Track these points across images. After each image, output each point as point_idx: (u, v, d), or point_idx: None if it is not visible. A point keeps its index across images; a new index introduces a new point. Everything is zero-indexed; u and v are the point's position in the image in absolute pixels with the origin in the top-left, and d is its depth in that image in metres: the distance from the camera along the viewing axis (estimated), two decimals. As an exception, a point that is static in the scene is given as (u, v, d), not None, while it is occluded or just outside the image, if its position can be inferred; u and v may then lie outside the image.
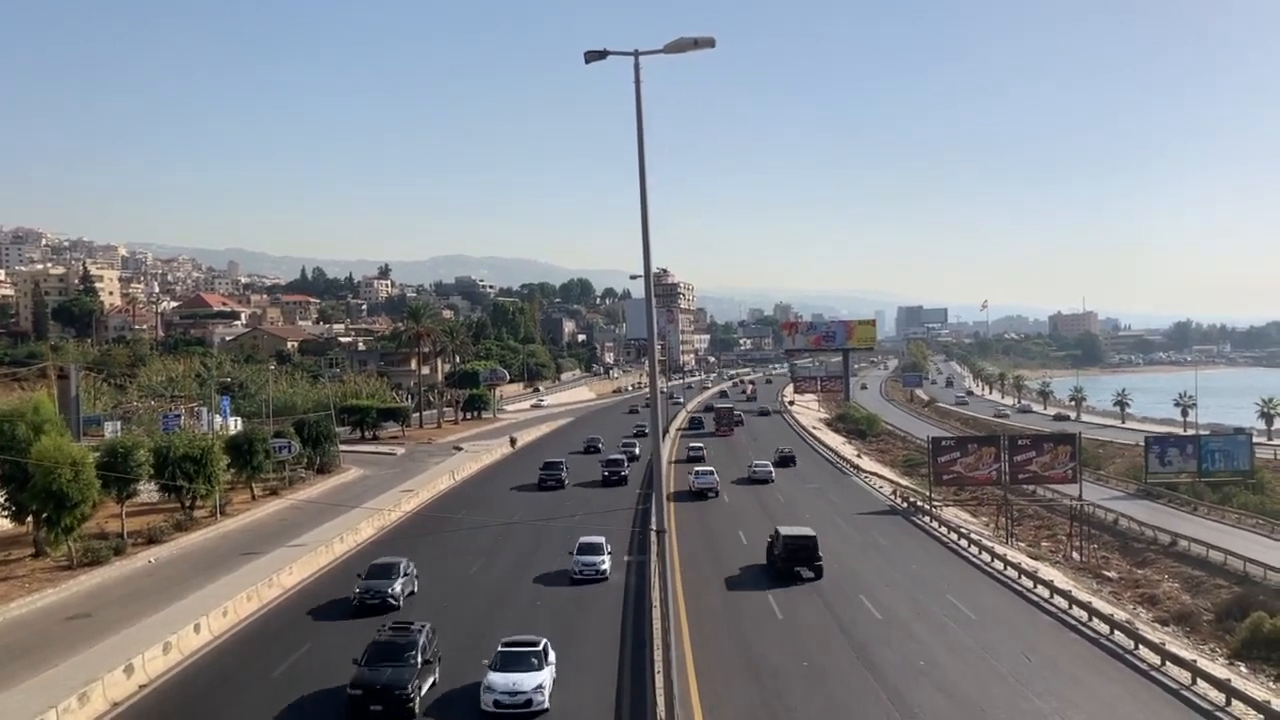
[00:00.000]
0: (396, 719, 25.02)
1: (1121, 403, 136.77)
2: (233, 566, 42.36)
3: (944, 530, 52.22)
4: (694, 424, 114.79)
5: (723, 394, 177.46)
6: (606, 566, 40.48)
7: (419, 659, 26.38)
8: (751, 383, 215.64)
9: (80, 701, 25.45)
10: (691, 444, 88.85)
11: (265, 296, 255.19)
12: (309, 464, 71.98)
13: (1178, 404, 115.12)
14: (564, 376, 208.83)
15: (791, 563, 40.96)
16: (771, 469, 72.29)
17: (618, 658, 30.30)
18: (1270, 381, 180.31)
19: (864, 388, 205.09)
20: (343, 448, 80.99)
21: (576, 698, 26.82)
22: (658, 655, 26.50)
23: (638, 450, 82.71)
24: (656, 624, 29.11)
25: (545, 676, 26.13)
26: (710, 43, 21.93)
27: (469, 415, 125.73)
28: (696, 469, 67.59)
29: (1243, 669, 34.70)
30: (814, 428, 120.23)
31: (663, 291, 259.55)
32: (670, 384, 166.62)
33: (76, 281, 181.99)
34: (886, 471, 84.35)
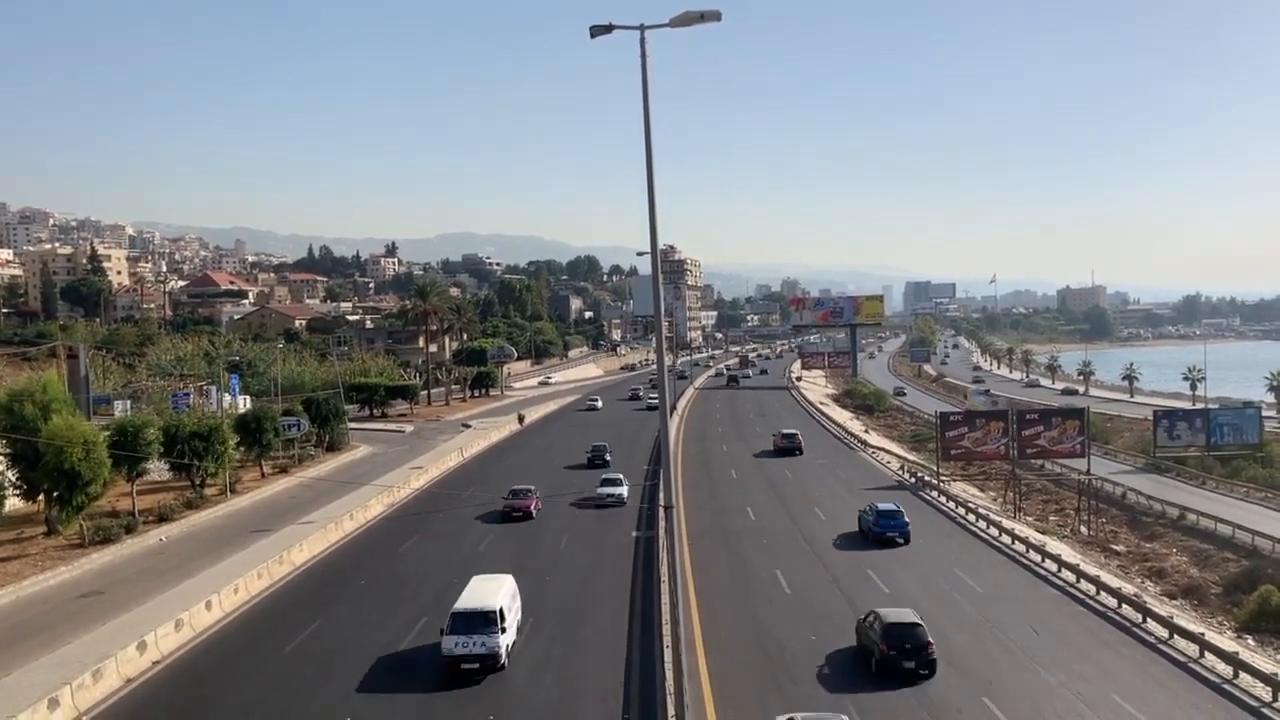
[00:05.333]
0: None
1: (1130, 376, 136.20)
2: (243, 544, 42.59)
3: (952, 505, 52.21)
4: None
5: (744, 360, 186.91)
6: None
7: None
8: (781, 346, 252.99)
9: (94, 678, 25.72)
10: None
11: (272, 275, 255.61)
12: (318, 442, 72.26)
13: (1186, 378, 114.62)
14: (571, 354, 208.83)
15: (731, 383, 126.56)
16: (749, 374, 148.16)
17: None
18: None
19: (893, 395, 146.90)
20: (351, 425, 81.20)
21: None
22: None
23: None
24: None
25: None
26: (716, 16, 21.61)
27: (477, 393, 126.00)
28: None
29: (1250, 642, 34.76)
30: (821, 403, 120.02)
31: (669, 268, 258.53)
32: (679, 361, 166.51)
33: (84, 261, 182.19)
34: (894, 446, 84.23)
